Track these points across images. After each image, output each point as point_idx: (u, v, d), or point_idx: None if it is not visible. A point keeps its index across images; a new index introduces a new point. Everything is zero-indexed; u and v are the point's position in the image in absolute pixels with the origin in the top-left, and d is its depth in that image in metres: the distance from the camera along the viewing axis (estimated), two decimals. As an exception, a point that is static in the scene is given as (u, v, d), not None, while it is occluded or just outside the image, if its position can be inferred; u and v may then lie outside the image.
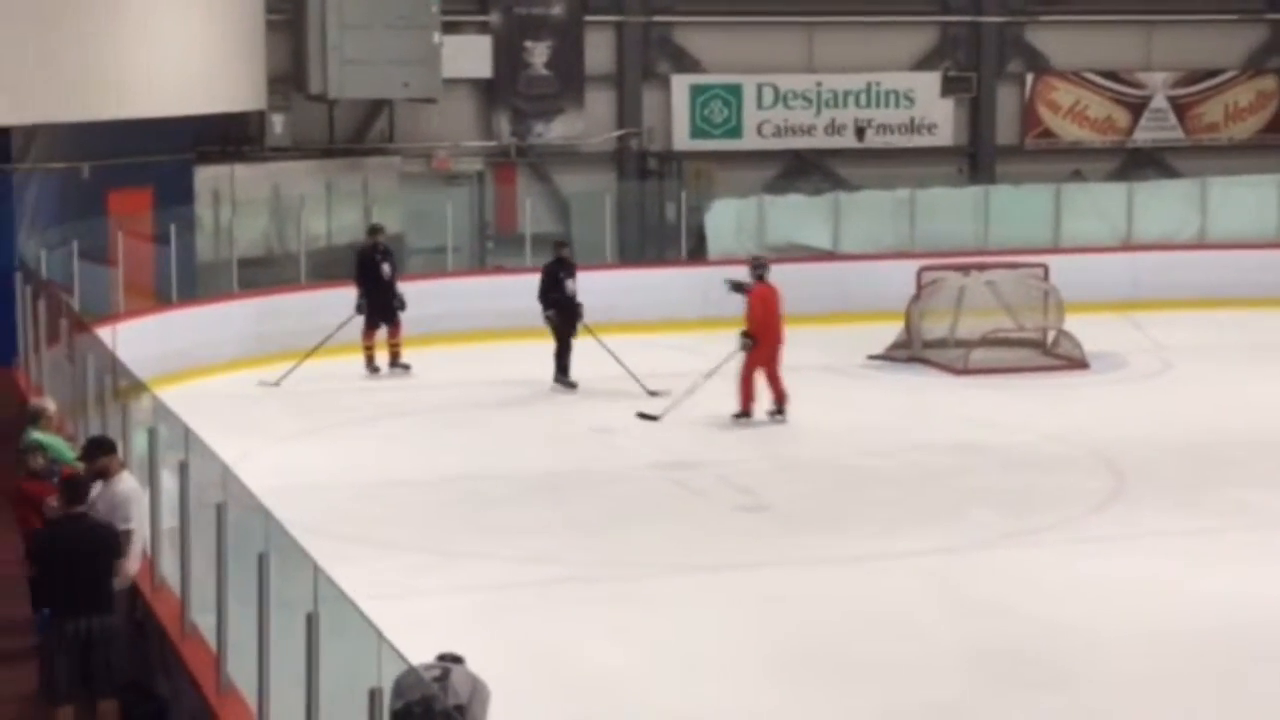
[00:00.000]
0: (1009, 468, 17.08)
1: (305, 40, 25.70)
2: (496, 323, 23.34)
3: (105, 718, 9.69)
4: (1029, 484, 16.43)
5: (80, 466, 10.42)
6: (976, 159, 30.18)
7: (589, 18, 28.34)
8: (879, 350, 22.68)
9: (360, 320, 21.61)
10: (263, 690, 8.03)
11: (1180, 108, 30.79)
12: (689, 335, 22.49)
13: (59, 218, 20.58)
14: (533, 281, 21.31)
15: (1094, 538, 14.64)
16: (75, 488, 9.82)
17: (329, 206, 25.32)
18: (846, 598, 13.05)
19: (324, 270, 23.65)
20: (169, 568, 10.40)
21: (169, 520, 10.38)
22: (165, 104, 20.99)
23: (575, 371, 20.72)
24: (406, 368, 21.78)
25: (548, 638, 12.15)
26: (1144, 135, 30.75)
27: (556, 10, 28.05)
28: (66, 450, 11.52)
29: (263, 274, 23.46)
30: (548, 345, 20.89)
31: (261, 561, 8.00)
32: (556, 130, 28.23)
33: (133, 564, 10.29)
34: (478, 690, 7.42)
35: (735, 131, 29.14)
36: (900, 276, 23.28)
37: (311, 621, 7.24)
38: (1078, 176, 29.44)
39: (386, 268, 21.73)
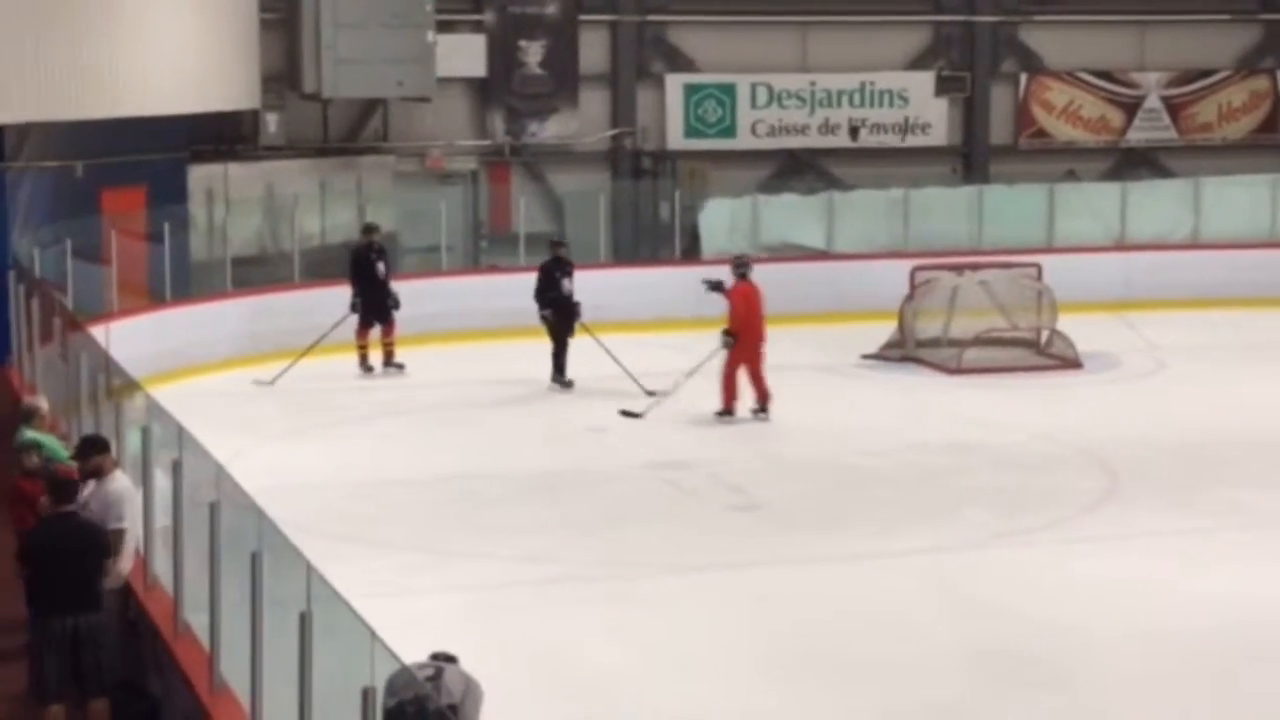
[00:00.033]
0: (1002, 467, 17.07)
1: (299, 39, 25.68)
2: (490, 322, 23.33)
3: (96, 717, 9.67)
4: (1022, 484, 16.42)
5: (74, 465, 10.39)
6: (970, 159, 30.20)
7: (583, 17, 28.35)
8: (873, 350, 22.66)
9: (354, 319, 21.58)
10: (256, 689, 8.03)
11: (1174, 108, 30.81)
12: (683, 334, 22.45)
13: (52, 216, 20.57)
14: (527, 281, 21.30)
15: (1088, 537, 14.63)
16: (63, 487, 9.80)
17: (323, 205, 25.30)
18: (842, 597, 13.04)
19: (318, 269, 23.64)
20: (162, 567, 10.40)
21: (162, 519, 10.38)
22: (159, 103, 21.00)
23: (571, 371, 20.72)
24: (400, 367, 21.75)
25: (543, 637, 12.13)
26: (1138, 135, 30.78)
27: (551, 9, 28.05)
28: (60, 449, 11.50)
29: (257, 273, 23.45)
30: (542, 344, 20.87)
31: (255, 560, 8.00)
32: (551, 129, 28.23)
33: (125, 563, 10.29)
34: (470, 689, 7.40)
35: (729, 131, 29.14)
36: (894, 276, 23.24)
37: (305, 621, 7.23)
38: (1071, 176, 29.45)
39: (381, 267, 21.69)
